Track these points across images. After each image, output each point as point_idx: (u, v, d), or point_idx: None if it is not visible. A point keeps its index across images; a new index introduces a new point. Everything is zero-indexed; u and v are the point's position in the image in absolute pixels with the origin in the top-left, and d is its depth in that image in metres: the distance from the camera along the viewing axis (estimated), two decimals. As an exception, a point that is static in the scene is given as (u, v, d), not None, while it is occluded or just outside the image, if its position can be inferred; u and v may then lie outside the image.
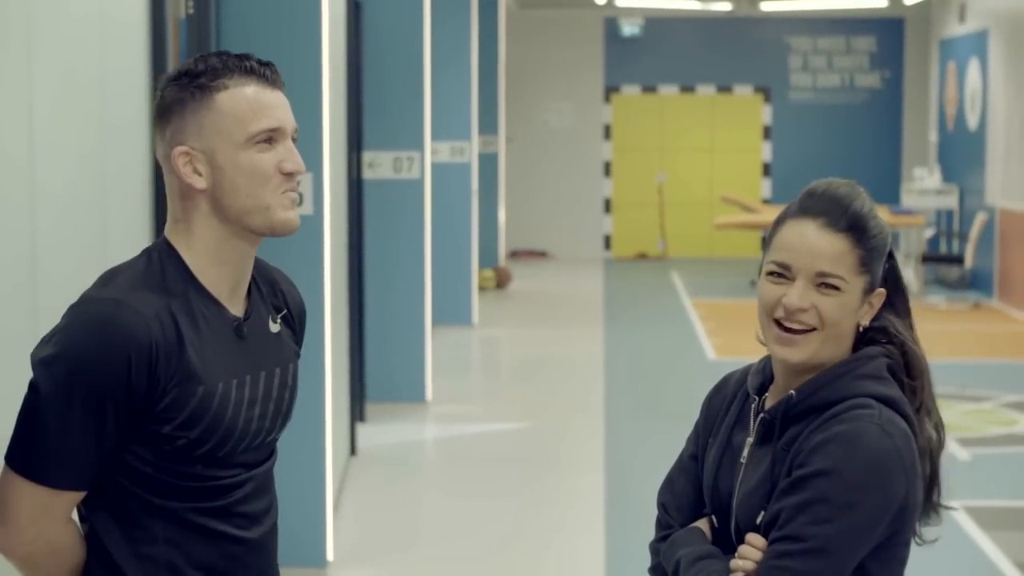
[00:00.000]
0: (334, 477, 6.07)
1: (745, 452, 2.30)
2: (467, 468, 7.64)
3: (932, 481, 2.27)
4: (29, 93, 2.99)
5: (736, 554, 2.22)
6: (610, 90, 18.69)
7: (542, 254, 18.69)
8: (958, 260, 14.41)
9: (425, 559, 6.10)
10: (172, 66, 4.18)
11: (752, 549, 2.20)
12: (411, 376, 9.08)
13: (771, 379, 2.33)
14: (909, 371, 2.28)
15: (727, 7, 17.84)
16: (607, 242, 18.86)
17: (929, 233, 15.62)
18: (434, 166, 10.77)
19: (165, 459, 2.16)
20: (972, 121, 15.36)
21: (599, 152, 18.79)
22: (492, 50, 14.66)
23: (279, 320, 2.33)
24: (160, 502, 2.17)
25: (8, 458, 2.13)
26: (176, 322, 2.13)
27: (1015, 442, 8.17)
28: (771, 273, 2.26)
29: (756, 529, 2.22)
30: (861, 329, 2.28)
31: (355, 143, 8.00)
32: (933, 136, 17.17)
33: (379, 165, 8.84)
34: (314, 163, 5.42)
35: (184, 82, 2.18)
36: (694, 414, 2.49)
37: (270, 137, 2.18)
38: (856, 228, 2.23)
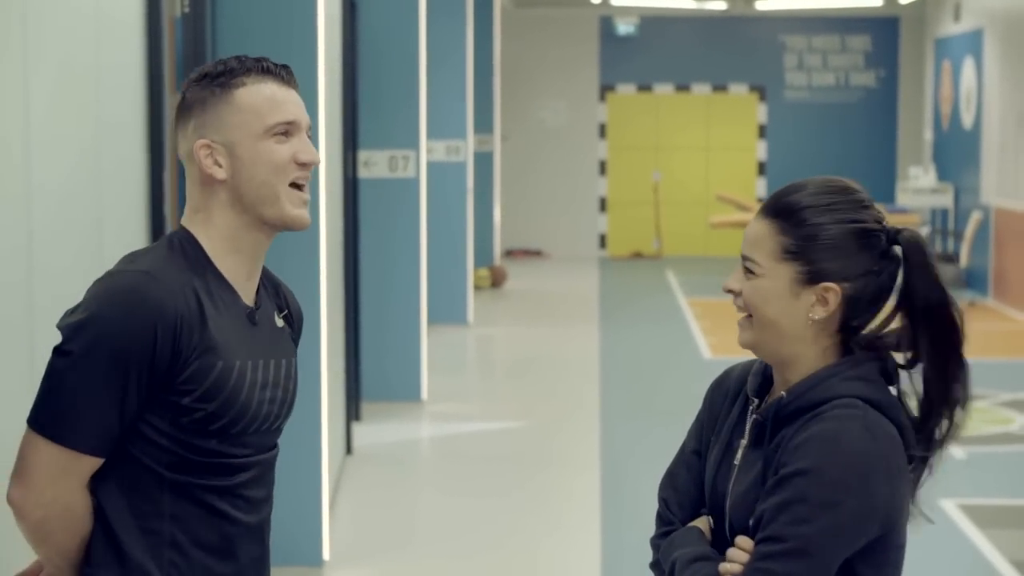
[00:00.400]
0: (330, 476, 6.07)
1: (739, 454, 2.29)
2: (463, 467, 7.64)
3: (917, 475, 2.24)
4: (25, 90, 2.99)
5: (725, 557, 2.22)
6: (605, 89, 18.69)
7: (537, 253, 18.69)
8: (953, 259, 14.42)
9: (421, 557, 6.10)
10: (168, 64, 4.19)
11: (740, 552, 2.19)
12: (406, 375, 9.08)
13: (770, 381, 2.32)
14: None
15: (722, 6, 17.85)
16: (602, 241, 18.86)
17: (924, 232, 15.63)
18: (429, 165, 10.76)
19: (182, 431, 2.23)
20: (967, 120, 15.37)
21: (594, 151, 18.79)
22: (487, 49, 14.66)
23: (282, 317, 2.43)
24: (171, 476, 2.24)
25: (31, 419, 2.20)
26: (199, 298, 2.23)
27: (1010, 440, 8.19)
28: None
29: (748, 531, 2.21)
30: (811, 322, 2.22)
31: (350, 142, 8.00)
32: (928, 135, 17.18)
33: (374, 164, 8.83)
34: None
35: (205, 82, 2.30)
36: (690, 412, 2.48)
37: (287, 130, 2.30)
38: (783, 215, 2.23)
